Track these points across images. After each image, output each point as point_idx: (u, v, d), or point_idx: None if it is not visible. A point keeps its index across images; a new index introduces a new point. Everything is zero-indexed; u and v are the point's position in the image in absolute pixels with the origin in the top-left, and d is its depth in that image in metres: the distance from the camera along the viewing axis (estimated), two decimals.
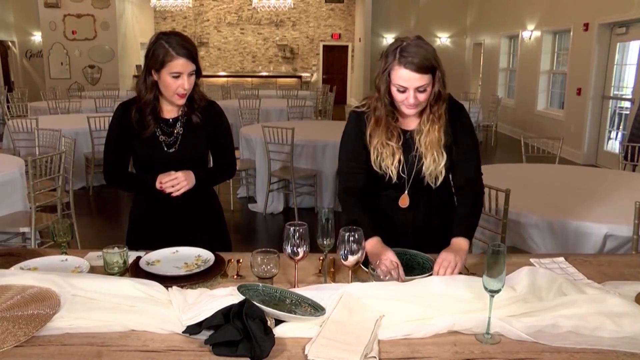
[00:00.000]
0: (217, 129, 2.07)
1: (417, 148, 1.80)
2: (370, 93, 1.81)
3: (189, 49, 1.88)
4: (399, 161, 1.80)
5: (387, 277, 1.49)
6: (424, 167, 1.80)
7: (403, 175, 1.83)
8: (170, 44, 1.85)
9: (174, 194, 1.92)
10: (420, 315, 1.36)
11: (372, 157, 1.81)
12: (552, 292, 1.43)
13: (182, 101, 1.95)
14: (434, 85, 1.70)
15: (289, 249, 1.53)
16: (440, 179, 1.82)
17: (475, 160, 1.87)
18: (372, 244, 1.70)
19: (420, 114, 1.79)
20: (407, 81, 1.66)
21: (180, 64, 1.86)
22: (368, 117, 1.81)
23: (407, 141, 1.82)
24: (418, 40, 1.68)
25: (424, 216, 1.91)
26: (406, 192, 1.86)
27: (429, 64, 1.65)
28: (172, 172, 1.92)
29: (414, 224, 1.91)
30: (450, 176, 1.90)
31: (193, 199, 2.04)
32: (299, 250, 1.53)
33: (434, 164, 1.78)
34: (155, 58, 1.87)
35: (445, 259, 1.62)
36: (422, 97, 1.69)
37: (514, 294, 1.41)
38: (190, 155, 2.01)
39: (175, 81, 1.88)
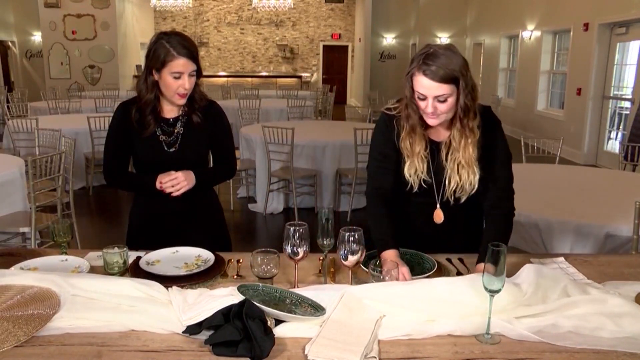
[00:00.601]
0: (217, 129, 2.07)
1: (443, 162, 1.75)
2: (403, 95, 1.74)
3: (190, 49, 1.87)
4: (422, 171, 1.75)
5: (387, 278, 1.49)
6: (457, 183, 1.74)
7: (425, 187, 1.77)
8: (171, 43, 1.85)
9: (174, 194, 1.92)
10: (422, 319, 1.36)
11: (406, 164, 1.76)
12: (556, 293, 1.43)
13: (182, 101, 1.95)
14: (458, 97, 1.63)
15: (289, 249, 1.53)
16: (473, 192, 1.76)
17: (505, 178, 1.79)
18: (390, 255, 1.66)
19: (450, 126, 1.74)
20: (425, 89, 1.61)
21: (181, 63, 1.86)
22: (398, 122, 1.76)
23: (434, 153, 1.77)
24: (446, 50, 1.61)
25: (457, 235, 1.88)
26: (438, 206, 1.82)
27: (451, 75, 1.58)
28: (172, 172, 1.92)
29: (448, 243, 1.88)
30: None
31: (193, 199, 2.03)
32: (298, 250, 1.53)
33: (468, 180, 1.73)
34: (156, 58, 1.87)
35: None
36: (442, 107, 1.63)
37: (519, 294, 1.40)
38: (191, 155, 2.01)
39: (176, 81, 1.88)
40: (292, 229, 1.52)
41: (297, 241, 1.52)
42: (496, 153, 1.76)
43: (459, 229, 1.88)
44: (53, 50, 13.14)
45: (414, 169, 1.74)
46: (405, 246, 1.78)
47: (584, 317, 1.35)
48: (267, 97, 10.23)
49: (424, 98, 1.63)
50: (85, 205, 5.78)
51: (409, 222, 1.86)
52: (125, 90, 11.53)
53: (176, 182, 1.91)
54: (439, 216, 1.83)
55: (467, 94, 1.63)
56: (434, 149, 1.77)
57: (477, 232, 1.87)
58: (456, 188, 1.75)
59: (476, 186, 1.74)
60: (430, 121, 1.68)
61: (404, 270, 1.56)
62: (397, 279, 1.49)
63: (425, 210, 1.84)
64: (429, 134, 1.77)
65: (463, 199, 1.77)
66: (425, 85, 1.60)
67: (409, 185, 1.77)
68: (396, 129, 1.76)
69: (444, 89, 1.59)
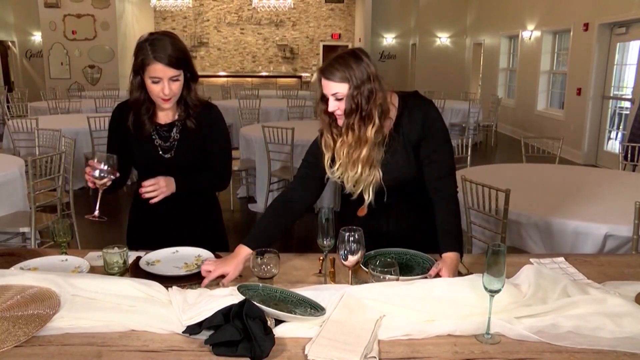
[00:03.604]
0: (211, 136, 2.00)
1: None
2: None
3: (171, 55, 1.77)
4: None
5: (386, 278, 1.49)
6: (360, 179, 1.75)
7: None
8: (153, 47, 1.77)
9: (151, 201, 1.88)
10: (422, 319, 1.36)
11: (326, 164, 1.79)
12: (556, 293, 1.43)
13: (167, 105, 1.88)
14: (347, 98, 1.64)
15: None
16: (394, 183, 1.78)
17: (440, 161, 1.78)
18: (240, 249, 1.68)
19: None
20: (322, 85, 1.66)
21: (158, 69, 1.77)
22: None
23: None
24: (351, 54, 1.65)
25: (390, 222, 1.89)
26: (365, 204, 1.81)
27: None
28: (156, 178, 1.88)
29: (387, 229, 1.89)
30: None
31: (190, 200, 2.03)
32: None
33: (371, 177, 1.73)
34: (137, 60, 1.81)
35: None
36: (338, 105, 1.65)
37: (519, 295, 1.41)
38: (187, 161, 1.97)
39: (156, 86, 1.81)
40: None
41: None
42: (429, 142, 1.76)
43: (393, 213, 1.88)
44: (53, 50, 13.14)
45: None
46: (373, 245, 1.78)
47: (584, 317, 1.35)
48: (267, 97, 10.22)
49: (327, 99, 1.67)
50: (85, 205, 5.76)
51: (346, 213, 1.91)
52: (125, 90, 11.50)
53: (157, 188, 1.86)
54: (362, 211, 1.83)
55: (356, 95, 1.62)
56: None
57: (418, 219, 1.88)
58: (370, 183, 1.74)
59: (379, 180, 1.73)
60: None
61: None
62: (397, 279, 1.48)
63: (353, 204, 1.85)
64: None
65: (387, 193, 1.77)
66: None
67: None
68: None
69: (337, 87, 1.62)
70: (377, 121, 1.66)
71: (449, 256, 1.67)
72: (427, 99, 1.82)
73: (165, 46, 1.78)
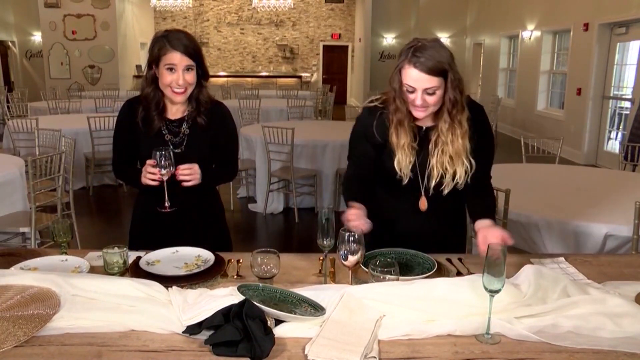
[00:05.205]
0: (220, 131, 2.06)
1: (430, 152, 1.78)
2: (387, 89, 1.77)
3: (187, 45, 1.87)
4: (410, 163, 1.78)
5: (386, 278, 1.49)
6: (434, 173, 1.78)
7: (411, 175, 1.80)
8: (167, 38, 1.87)
9: (185, 184, 1.90)
10: (422, 319, 1.36)
11: (395, 157, 1.78)
12: (556, 293, 1.43)
13: (179, 98, 1.93)
14: (446, 90, 1.67)
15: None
16: (454, 186, 1.80)
17: (490, 164, 1.88)
18: (355, 205, 1.73)
19: (435, 118, 1.77)
20: (415, 81, 1.64)
21: (174, 56, 1.85)
22: (382, 114, 1.79)
23: (422, 140, 1.80)
24: (434, 43, 1.66)
25: (439, 221, 1.90)
26: (422, 194, 1.85)
27: (440, 67, 1.63)
28: (192, 164, 1.90)
29: (427, 228, 1.90)
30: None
31: (195, 198, 2.04)
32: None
33: (455, 171, 1.77)
34: (153, 52, 1.89)
35: (491, 235, 1.63)
36: (430, 99, 1.67)
37: (519, 295, 1.40)
38: (196, 156, 1.99)
39: (170, 74, 1.87)
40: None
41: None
42: (484, 144, 1.82)
43: (442, 216, 1.91)
44: (53, 50, 13.14)
45: (404, 162, 1.78)
46: (389, 233, 1.82)
47: (584, 317, 1.35)
48: (267, 97, 10.22)
49: (413, 90, 1.66)
50: (85, 205, 5.78)
51: (394, 208, 1.90)
52: (125, 90, 11.53)
53: (193, 172, 1.89)
54: (423, 204, 1.86)
55: (455, 86, 1.67)
56: (422, 138, 1.80)
57: (459, 220, 1.93)
58: (441, 179, 1.79)
59: (462, 177, 1.78)
60: (418, 114, 1.72)
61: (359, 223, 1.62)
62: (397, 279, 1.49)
63: (410, 198, 1.87)
64: (416, 123, 1.80)
65: (447, 190, 1.80)
66: (415, 78, 1.64)
67: (398, 177, 1.80)
68: (377, 121, 1.80)
69: (433, 81, 1.64)
70: (467, 110, 1.72)
71: (484, 221, 1.73)
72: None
73: (181, 38, 1.88)
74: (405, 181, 1.80)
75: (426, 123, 1.80)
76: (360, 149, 1.87)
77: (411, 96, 1.68)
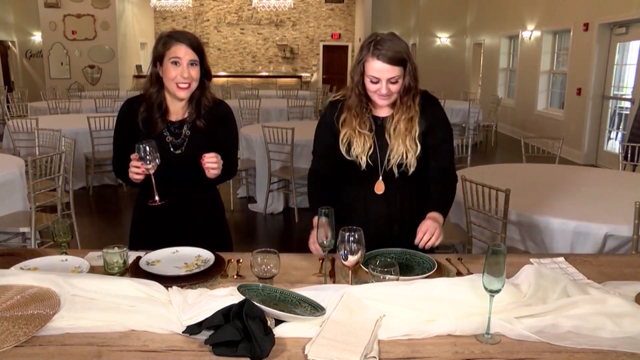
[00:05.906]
0: (221, 129, 2.05)
1: (386, 137, 1.89)
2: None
3: (191, 39, 1.91)
4: (370, 148, 1.88)
5: (386, 278, 1.49)
6: (393, 155, 1.88)
7: (371, 163, 1.90)
8: (172, 35, 1.92)
9: (210, 174, 1.90)
10: (422, 319, 1.36)
11: (341, 144, 1.90)
12: (556, 293, 1.43)
13: (183, 94, 1.93)
14: (404, 78, 1.80)
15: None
16: (412, 169, 1.89)
17: (449, 151, 1.96)
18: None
19: (393, 104, 1.88)
20: (379, 72, 1.77)
21: (179, 49, 1.88)
22: (344, 106, 1.91)
23: (380, 129, 1.91)
24: (391, 36, 1.80)
25: (400, 205, 1.97)
26: (380, 178, 1.93)
27: (400, 57, 1.76)
28: (216, 154, 1.90)
29: (390, 212, 1.97)
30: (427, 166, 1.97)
31: (195, 196, 2.04)
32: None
33: (405, 153, 1.86)
34: (157, 48, 1.92)
35: (428, 225, 1.73)
36: (394, 88, 1.80)
37: (519, 295, 1.40)
38: (197, 157, 1.97)
39: (175, 68, 1.88)
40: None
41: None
42: (437, 128, 1.92)
43: (399, 199, 1.98)
44: (53, 50, 13.13)
45: (360, 149, 1.89)
46: (350, 218, 1.84)
47: (584, 317, 1.35)
48: (267, 97, 10.22)
49: (377, 81, 1.79)
50: (85, 205, 5.78)
51: (354, 194, 1.99)
52: (125, 90, 11.53)
53: (218, 161, 1.88)
54: (379, 187, 1.95)
55: (412, 74, 1.81)
56: (380, 126, 1.91)
57: (417, 202, 1.98)
58: (399, 160, 1.88)
59: (414, 161, 1.88)
60: (381, 102, 1.85)
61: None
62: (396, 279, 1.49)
63: (369, 183, 1.96)
64: (372, 113, 1.92)
65: (410, 171, 1.90)
66: (378, 69, 1.77)
67: (358, 164, 1.91)
68: (338, 112, 1.92)
69: (395, 70, 1.77)
70: (419, 97, 1.86)
71: (432, 215, 1.81)
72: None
73: (185, 33, 1.94)
74: (363, 167, 1.90)
75: (382, 113, 1.92)
76: (323, 143, 2.00)
77: (376, 86, 1.80)
